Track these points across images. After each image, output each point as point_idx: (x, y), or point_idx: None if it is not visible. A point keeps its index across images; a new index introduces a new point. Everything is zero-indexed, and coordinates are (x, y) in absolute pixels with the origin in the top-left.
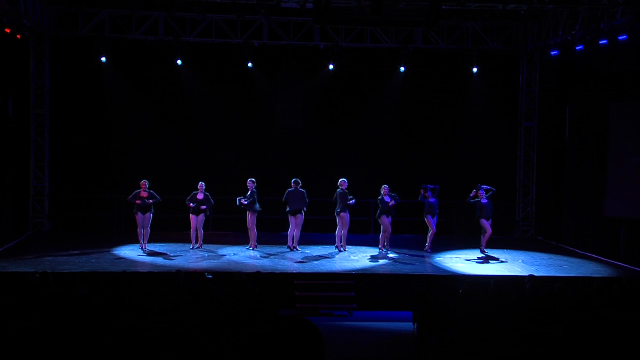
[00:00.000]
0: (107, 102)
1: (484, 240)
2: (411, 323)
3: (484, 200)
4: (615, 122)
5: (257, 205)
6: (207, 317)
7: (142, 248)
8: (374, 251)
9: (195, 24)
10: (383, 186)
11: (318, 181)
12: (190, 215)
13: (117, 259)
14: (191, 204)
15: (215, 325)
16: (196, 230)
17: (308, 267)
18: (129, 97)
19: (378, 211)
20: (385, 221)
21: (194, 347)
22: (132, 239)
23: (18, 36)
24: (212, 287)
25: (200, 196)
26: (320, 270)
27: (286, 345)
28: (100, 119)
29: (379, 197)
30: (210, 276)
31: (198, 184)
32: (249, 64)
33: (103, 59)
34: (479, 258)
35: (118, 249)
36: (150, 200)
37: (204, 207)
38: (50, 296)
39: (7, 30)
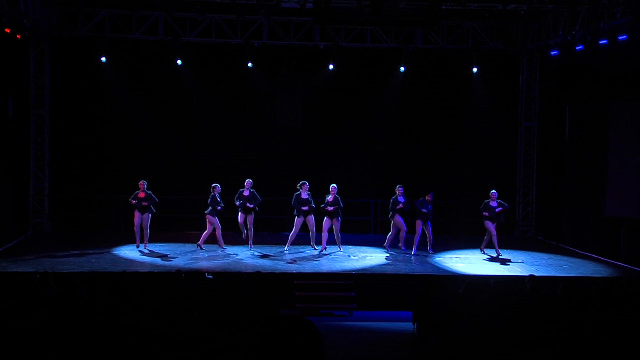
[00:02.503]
0: (107, 102)
1: (495, 242)
2: (411, 323)
3: (493, 204)
4: (615, 122)
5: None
6: (207, 317)
7: (138, 247)
8: (375, 251)
9: (195, 24)
10: (397, 186)
11: (318, 181)
12: (211, 217)
13: (117, 259)
14: (219, 207)
15: (215, 325)
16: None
17: (308, 267)
18: (129, 97)
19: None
20: (398, 220)
21: (194, 347)
22: (132, 239)
23: (18, 36)
24: (212, 287)
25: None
26: (320, 270)
27: (286, 345)
28: (100, 119)
29: (393, 197)
30: (211, 276)
31: (212, 185)
32: (249, 64)
33: (103, 59)
34: (490, 258)
35: (118, 249)
36: (145, 203)
37: (219, 208)
38: (50, 296)
39: (7, 30)
